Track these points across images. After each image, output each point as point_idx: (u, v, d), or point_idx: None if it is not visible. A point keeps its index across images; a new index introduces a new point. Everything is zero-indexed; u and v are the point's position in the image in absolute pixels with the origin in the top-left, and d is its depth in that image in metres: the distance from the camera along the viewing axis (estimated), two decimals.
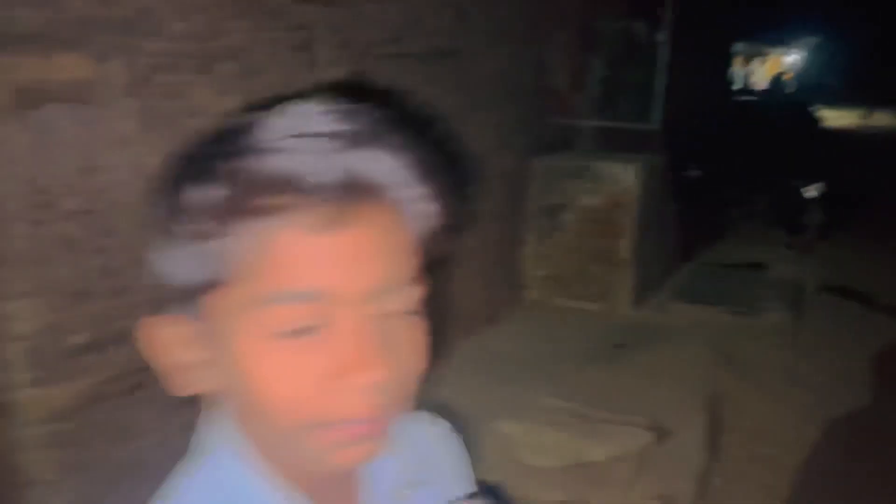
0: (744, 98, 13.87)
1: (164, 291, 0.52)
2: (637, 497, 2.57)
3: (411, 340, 0.53)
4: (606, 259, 4.43)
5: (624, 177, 4.32)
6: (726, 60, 9.46)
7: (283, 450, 0.53)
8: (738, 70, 21.06)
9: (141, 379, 2.15)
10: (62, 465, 1.99)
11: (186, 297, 0.51)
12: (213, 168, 0.48)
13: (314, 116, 0.49)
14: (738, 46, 17.07)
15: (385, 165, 0.50)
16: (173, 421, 2.29)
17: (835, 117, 15.12)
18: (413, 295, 0.52)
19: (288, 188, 0.47)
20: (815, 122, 10.37)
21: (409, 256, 0.52)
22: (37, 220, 1.74)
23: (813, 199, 6.06)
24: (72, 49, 1.77)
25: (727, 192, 6.59)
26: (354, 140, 0.49)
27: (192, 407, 2.10)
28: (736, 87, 14.85)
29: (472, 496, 0.67)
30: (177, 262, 0.50)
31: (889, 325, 4.68)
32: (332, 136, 0.48)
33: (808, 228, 6.02)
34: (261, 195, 0.47)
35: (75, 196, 1.80)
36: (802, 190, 6.07)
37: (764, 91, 20.99)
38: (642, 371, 3.61)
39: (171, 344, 0.53)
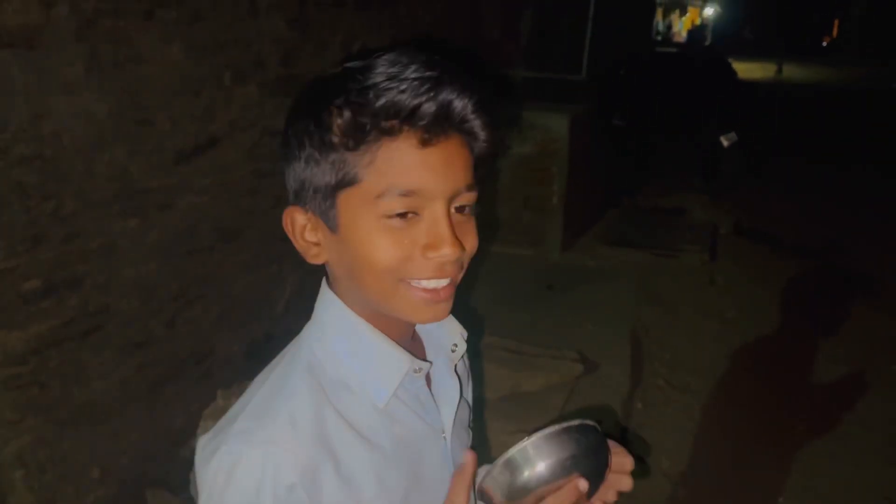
0: (664, 50, 14.19)
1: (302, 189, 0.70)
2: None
3: (471, 229, 0.74)
4: (538, 206, 4.60)
5: (554, 126, 4.47)
6: (649, 12, 9.68)
7: (379, 306, 0.73)
8: (659, 22, 21.48)
9: (95, 323, 2.20)
10: (21, 406, 2.03)
11: (321, 194, 0.70)
12: (343, 99, 0.66)
13: (407, 63, 0.67)
14: None
15: (461, 101, 0.68)
16: (128, 363, 2.34)
17: (747, 70, 15.68)
18: (473, 197, 0.73)
19: (397, 116, 0.65)
20: (732, 74, 10.78)
21: (471, 169, 0.72)
22: None
23: (728, 148, 6.41)
24: None
25: (650, 141, 6.86)
26: (440, 82, 0.66)
27: (146, 349, 2.18)
28: (658, 38, 15.13)
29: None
30: (316, 169, 0.68)
31: (792, 263, 5.07)
32: (424, 79, 0.65)
33: (723, 175, 6.38)
34: (378, 121, 0.65)
35: (27, 142, 1.81)
36: (719, 139, 6.40)
37: (683, 44, 21.53)
38: (572, 310, 3.84)
39: (302, 227, 0.73)
